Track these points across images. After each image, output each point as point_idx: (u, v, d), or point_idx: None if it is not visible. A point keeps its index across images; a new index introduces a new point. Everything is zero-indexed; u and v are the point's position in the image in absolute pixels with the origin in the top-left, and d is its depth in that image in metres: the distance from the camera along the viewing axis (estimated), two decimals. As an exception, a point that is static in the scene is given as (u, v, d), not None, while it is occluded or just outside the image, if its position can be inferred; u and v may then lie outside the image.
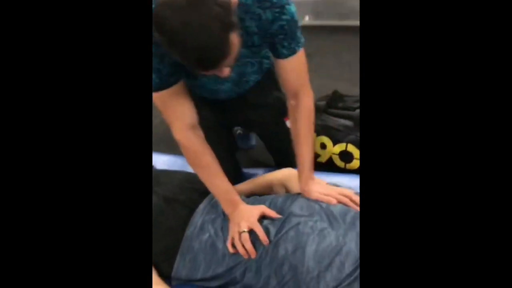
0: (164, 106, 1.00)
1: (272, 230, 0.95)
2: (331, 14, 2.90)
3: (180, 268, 0.98)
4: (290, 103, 1.09)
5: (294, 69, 1.01)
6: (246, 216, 1.00)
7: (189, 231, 1.01)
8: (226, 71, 0.82)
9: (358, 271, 0.83)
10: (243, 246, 0.95)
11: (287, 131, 1.24)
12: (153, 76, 0.94)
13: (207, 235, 1.00)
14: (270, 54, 1.14)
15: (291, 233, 0.92)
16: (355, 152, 1.51)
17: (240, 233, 0.96)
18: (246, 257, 0.94)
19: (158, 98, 0.99)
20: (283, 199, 1.05)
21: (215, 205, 1.07)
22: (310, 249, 0.87)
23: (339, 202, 1.00)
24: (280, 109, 1.22)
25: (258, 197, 1.11)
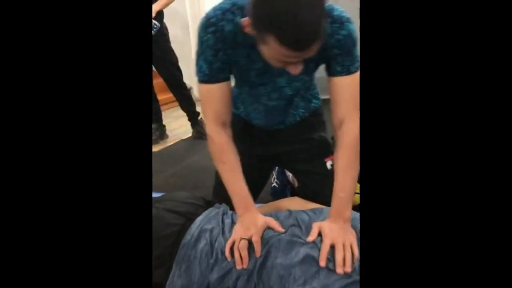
0: (205, 98, 1.06)
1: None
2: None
3: (176, 278, 0.99)
4: (336, 133, 1.06)
5: (345, 90, 1.00)
6: (252, 224, 0.99)
7: (185, 240, 1.01)
8: (299, 68, 0.86)
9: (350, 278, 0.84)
10: (239, 253, 0.94)
11: (326, 172, 1.24)
12: (204, 66, 1.00)
13: (203, 243, 1.00)
14: (319, 96, 1.21)
15: (283, 243, 0.93)
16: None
17: (241, 239, 0.96)
18: (239, 265, 0.94)
19: (203, 89, 1.05)
20: (285, 215, 1.06)
21: (214, 217, 1.08)
22: (297, 258, 0.89)
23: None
24: (322, 148, 1.25)
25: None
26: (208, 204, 1.17)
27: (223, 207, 1.15)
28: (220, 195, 1.30)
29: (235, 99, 1.22)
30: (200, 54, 1.00)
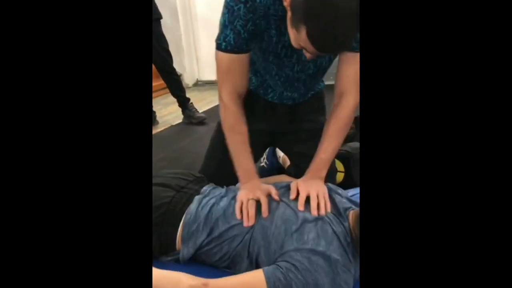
0: (226, 67, 1.06)
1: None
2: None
3: (185, 254, 1.03)
4: (334, 103, 1.12)
5: (354, 66, 1.03)
6: (257, 187, 1.06)
7: (185, 218, 1.05)
8: (314, 56, 0.90)
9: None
10: (247, 212, 1.00)
11: None
12: (230, 36, 1.00)
13: (207, 208, 1.05)
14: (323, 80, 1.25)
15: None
16: (338, 165, 1.59)
17: (248, 200, 1.02)
18: (246, 223, 0.99)
19: (224, 58, 1.04)
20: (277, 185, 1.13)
21: (210, 192, 1.12)
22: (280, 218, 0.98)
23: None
24: (319, 131, 1.27)
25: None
26: (197, 179, 1.21)
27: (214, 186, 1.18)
28: (208, 171, 1.35)
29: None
30: (228, 23, 0.99)
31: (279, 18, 0.99)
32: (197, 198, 1.10)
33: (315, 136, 1.30)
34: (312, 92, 1.34)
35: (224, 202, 1.07)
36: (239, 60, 1.05)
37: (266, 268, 0.89)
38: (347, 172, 1.57)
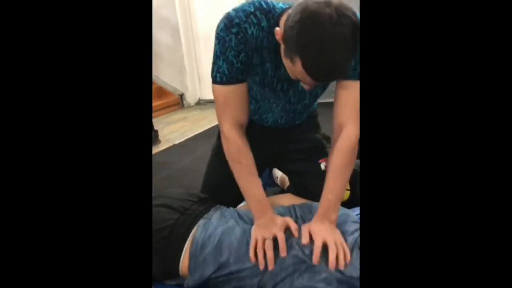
0: (223, 100, 1.03)
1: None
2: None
3: (190, 283, 0.99)
4: (333, 136, 1.06)
5: (351, 95, 1.00)
6: (272, 223, 0.98)
7: (192, 248, 1.00)
8: (312, 86, 0.91)
9: None
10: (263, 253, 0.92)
11: (319, 173, 1.25)
12: (224, 67, 0.98)
13: (216, 238, 1.00)
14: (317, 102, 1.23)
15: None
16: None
17: (264, 240, 0.94)
18: (262, 266, 0.92)
19: (220, 90, 1.02)
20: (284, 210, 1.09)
21: (217, 217, 1.08)
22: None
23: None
24: (317, 149, 1.27)
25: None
26: (202, 201, 1.18)
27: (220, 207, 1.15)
28: (208, 190, 1.33)
29: None
30: (220, 54, 0.98)
31: (273, 51, 0.98)
32: (202, 223, 1.05)
33: (312, 153, 1.30)
34: (306, 114, 1.33)
35: (235, 234, 1.00)
36: (236, 91, 1.02)
37: None
38: (352, 190, 1.54)
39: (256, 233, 0.97)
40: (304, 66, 0.82)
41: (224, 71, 0.99)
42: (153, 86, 4.14)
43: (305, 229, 0.97)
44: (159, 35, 4.05)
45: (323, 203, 1.02)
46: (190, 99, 4.42)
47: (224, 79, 1.00)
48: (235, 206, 1.23)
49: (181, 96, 4.38)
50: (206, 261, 0.98)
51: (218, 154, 1.34)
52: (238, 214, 1.10)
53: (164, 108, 4.11)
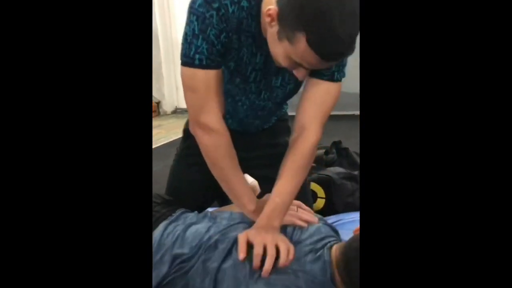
0: (205, 87, 0.89)
1: None
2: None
3: None
4: (292, 137, 0.98)
5: (320, 96, 0.94)
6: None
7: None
8: (305, 74, 0.85)
9: None
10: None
11: None
12: (203, 47, 0.85)
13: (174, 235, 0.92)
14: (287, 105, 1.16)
15: None
16: (319, 190, 1.51)
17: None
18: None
19: (201, 76, 0.88)
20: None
21: (180, 218, 1.00)
22: None
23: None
24: None
25: None
26: (166, 202, 1.10)
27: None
28: (175, 193, 1.24)
29: None
30: (199, 32, 0.84)
31: (251, 36, 0.90)
32: (163, 224, 0.97)
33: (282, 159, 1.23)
34: (275, 118, 1.25)
35: (199, 228, 0.93)
36: (218, 77, 0.90)
37: None
38: (327, 198, 1.49)
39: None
40: (309, 42, 0.74)
41: (204, 52, 0.86)
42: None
43: (242, 239, 0.87)
44: (137, 41, 3.97)
45: (268, 206, 0.92)
46: (167, 107, 4.34)
47: (205, 62, 0.87)
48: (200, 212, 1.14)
49: (158, 103, 4.29)
50: (162, 260, 0.89)
51: (185, 157, 1.27)
52: (213, 215, 1.02)
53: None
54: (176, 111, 4.41)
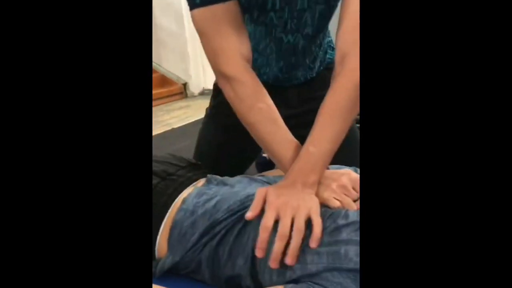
0: (214, 27, 0.77)
1: None
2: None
3: (167, 263, 0.78)
4: (334, 73, 0.79)
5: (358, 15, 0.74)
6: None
7: (176, 215, 0.81)
8: None
9: None
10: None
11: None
12: None
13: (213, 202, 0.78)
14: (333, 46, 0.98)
15: None
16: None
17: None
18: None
19: (206, 16, 0.76)
20: None
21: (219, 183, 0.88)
22: None
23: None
24: None
25: None
26: (193, 166, 0.99)
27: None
28: (202, 157, 1.17)
29: None
30: None
31: None
32: (197, 189, 0.84)
33: None
34: (319, 66, 1.07)
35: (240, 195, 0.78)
36: (228, 11, 0.77)
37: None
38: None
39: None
40: None
41: None
42: (156, 75, 4.02)
43: (259, 194, 0.69)
44: (162, 21, 3.92)
45: (299, 158, 0.73)
46: (194, 88, 4.28)
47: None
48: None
49: (185, 85, 4.25)
50: (194, 225, 0.76)
51: (213, 116, 1.19)
52: (257, 179, 0.88)
53: (166, 97, 3.99)
54: (204, 93, 4.36)
